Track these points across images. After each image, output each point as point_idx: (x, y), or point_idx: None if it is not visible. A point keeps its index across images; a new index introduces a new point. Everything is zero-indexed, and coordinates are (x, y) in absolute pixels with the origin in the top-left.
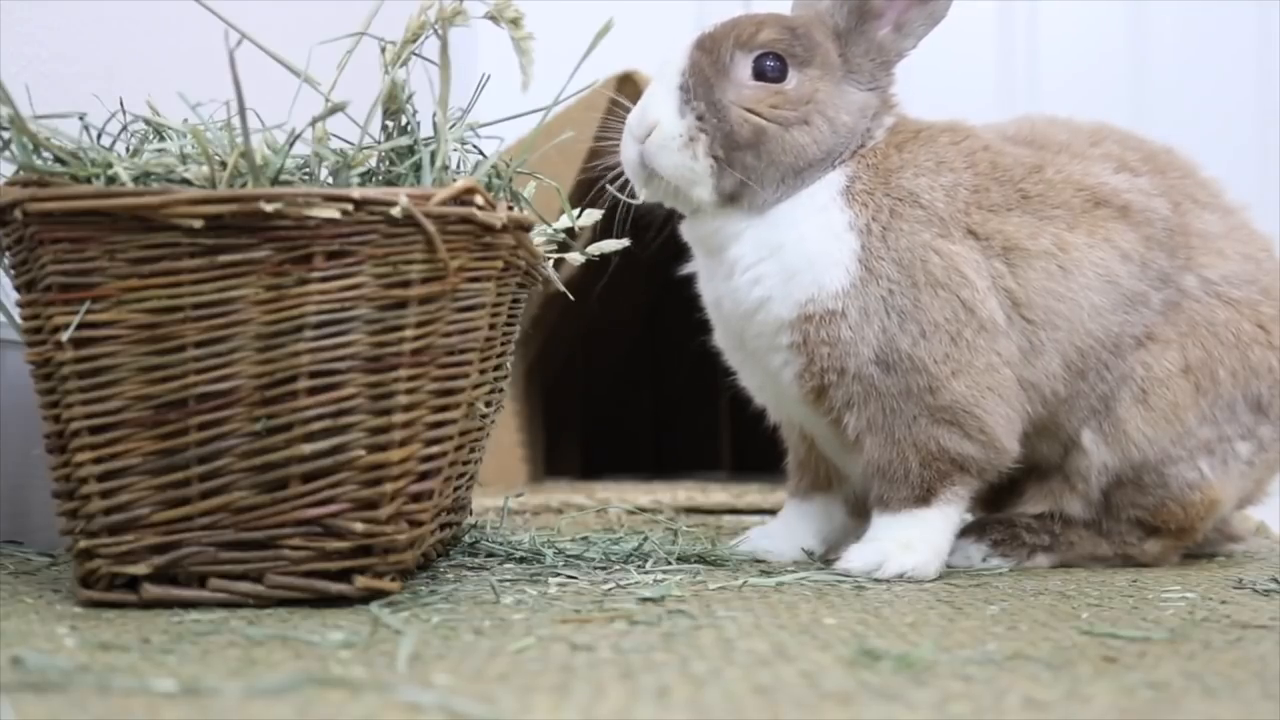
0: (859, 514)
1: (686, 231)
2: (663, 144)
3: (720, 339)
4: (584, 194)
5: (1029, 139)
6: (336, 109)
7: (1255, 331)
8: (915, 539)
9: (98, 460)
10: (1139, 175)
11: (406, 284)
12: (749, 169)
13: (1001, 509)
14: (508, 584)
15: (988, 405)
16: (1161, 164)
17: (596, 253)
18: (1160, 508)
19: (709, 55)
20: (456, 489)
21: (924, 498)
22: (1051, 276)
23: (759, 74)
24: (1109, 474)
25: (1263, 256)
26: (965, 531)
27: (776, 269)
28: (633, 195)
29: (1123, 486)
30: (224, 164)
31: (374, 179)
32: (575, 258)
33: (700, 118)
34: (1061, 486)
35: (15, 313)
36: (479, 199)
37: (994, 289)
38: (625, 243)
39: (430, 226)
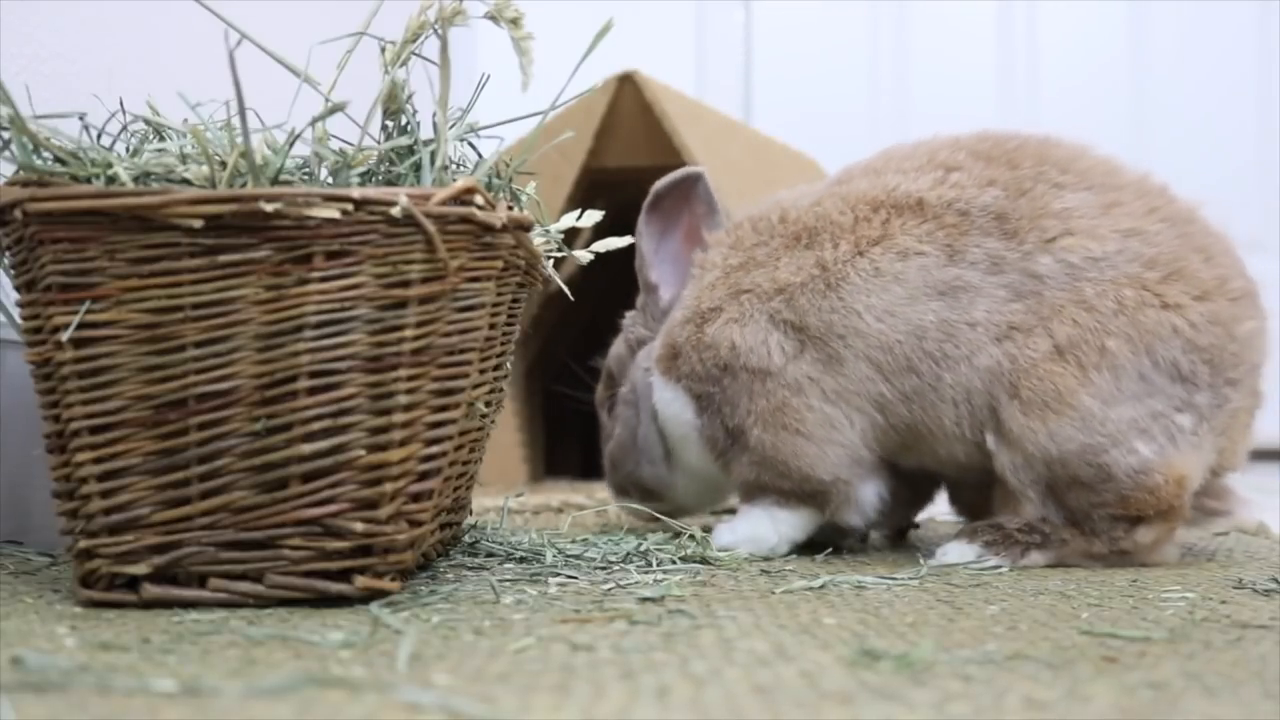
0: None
1: None
2: None
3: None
4: (584, 194)
5: (839, 179)
6: (336, 109)
7: (1140, 295)
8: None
9: (98, 460)
10: (953, 171)
11: (406, 284)
12: None
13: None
14: (508, 584)
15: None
16: (1013, 158)
17: (596, 251)
18: (1124, 499)
19: None
20: (456, 489)
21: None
22: (823, 296)
23: None
24: (1031, 473)
25: (1158, 228)
26: (958, 535)
27: None
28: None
29: (1072, 488)
30: (224, 164)
31: (374, 179)
32: (576, 257)
33: None
34: (1010, 493)
35: (15, 313)
36: (479, 199)
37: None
38: (627, 241)
39: (430, 226)
